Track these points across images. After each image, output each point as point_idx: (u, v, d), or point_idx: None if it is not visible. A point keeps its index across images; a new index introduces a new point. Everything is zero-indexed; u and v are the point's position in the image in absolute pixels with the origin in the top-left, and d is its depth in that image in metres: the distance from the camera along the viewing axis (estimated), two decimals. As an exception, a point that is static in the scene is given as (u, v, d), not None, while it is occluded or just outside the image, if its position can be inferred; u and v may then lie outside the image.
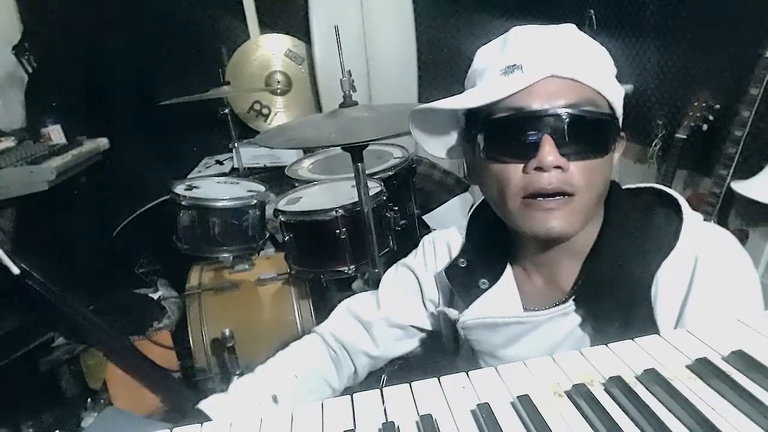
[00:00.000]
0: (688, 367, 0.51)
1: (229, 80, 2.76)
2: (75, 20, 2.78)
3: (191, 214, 1.85)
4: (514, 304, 0.83)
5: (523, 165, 0.70)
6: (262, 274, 1.94)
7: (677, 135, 2.12)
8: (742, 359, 0.49)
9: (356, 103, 1.32)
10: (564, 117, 0.67)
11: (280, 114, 3.13)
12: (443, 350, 0.94)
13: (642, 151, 2.52)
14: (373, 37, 2.94)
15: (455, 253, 0.90)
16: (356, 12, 2.89)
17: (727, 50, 2.02)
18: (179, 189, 1.92)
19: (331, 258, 1.70)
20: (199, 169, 2.85)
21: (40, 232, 2.21)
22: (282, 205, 1.78)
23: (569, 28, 0.74)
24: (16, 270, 1.45)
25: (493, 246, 0.86)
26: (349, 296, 1.02)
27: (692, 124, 2.08)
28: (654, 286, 0.70)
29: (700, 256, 0.69)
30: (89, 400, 1.90)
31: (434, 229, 1.70)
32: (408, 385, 0.54)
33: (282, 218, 1.71)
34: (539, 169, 0.68)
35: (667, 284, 0.69)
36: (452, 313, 0.87)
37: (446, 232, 0.95)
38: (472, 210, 0.92)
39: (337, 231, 1.63)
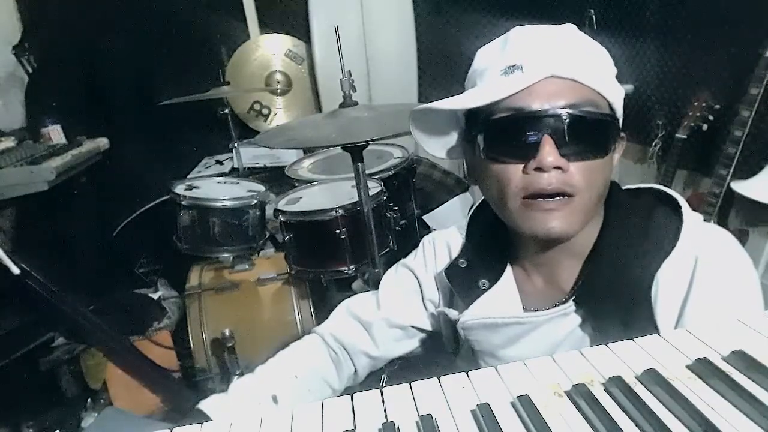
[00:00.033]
0: (688, 367, 0.51)
1: (229, 80, 2.76)
2: (75, 20, 2.78)
3: (191, 214, 1.85)
4: (514, 305, 0.83)
5: (523, 165, 0.70)
6: (262, 274, 1.94)
7: (677, 135, 2.13)
8: (742, 359, 0.49)
9: (356, 103, 1.32)
10: (564, 117, 0.67)
11: (280, 114, 3.13)
12: (443, 350, 0.94)
13: (642, 151, 2.52)
14: (373, 37, 2.94)
15: (455, 253, 0.90)
16: (356, 12, 2.89)
17: (727, 50, 2.02)
18: (179, 189, 1.92)
19: (331, 258, 1.70)
20: (199, 169, 2.85)
21: (40, 232, 2.21)
22: (282, 205, 1.78)
23: (569, 29, 0.74)
24: (16, 270, 1.45)
25: (493, 246, 0.86)
26: (349, 296, 1.02)
27: (692, 124, 2.08)
28: (654, 286, 0.70)
29: (700, 257, 0.69)
30: (89, 400, 1.90)
31: (434, 229, 1.70)
32: (408, 385, 0.54)
33: (282, 218, 1.71)
34: (539, 169, 0.68)
35: (667, 284, 0.69)
36: (452, 313, 0.87)
37: (446, 233, 0.95)
38: (472, 210, 0.92)
39: (337, 231, 1.63)
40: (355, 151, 1.27)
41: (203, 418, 0.80)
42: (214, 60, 2.80)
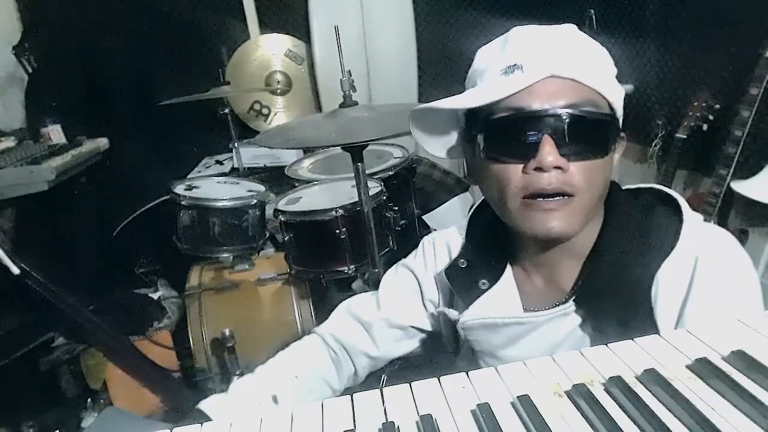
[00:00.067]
0: (688, 367, 0.51)
1: (229, 80, 2.76)
2: (75, 20, 2.78)
3: (191, 214, 1.85)
4: (514, 305, 0.83)
5: (523, 165, 0.70)
6: (262, 274, 1.94)
7: (677, 135, 2.13)
8: (742, 359, 0.50)
9: (356, 103, 1.32)
10: (564, 117, 0.67)
11: (280, 114, 3.13)
12: (443, 350, 0.94)
13: (642, 151, 2.52)
14: (373, 37, 2.94)
15: (455, 253, 0.90)
16: (356, 12, 2.89)
17: (727, 50, 2.02)
18: (179, 189, 1.92)
19: (331, 258, 1.70)
20: (199, 169, 2.85)
21: (40, 232, 2.21)
22: (282, 205, 1.78)
23: (569, 28, 0.74)
24: (16, 270, 1.45)
25: (493, 246, 0.86)
26: (349, 296, 1.02)
27: (692, 124, 2.09)
28: (654, 286, 0.70)
29: (700, 257, 0.69)
30: (89, 400, 1.90)
31: (434, 229, 1.70)
32: (408, 385, 0.54)
33: (282, 218, 1.71)
34: (539, 169, 0.68)
35: (667, 284, 0.69)
36: (452, 313, 0.87)
37: (446, 233, 0.95)
38: (472, 210, 0.92)
39: (337, 231, 1.63)
40: (355, 151, 1.27)
41: (203, 418, 0.80)
42: (214, 60, 2.80)
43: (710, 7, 2.09)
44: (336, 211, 1.63)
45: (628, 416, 0.46)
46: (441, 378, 0.54)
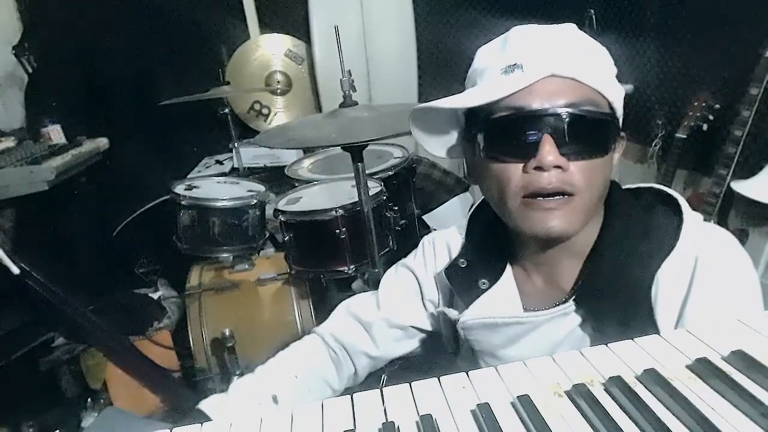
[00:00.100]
0: (688, 367, 0.51)
1: (229, 80, 2.77)
2: (75, 20, 2.78)
3: (191, 214, 1.85)
4: (514, 304, 0.83)
5: (523, 164, 0.70)
6: (262, 274, 1.94)
7: (677, 135, 2.13)
8: (742, 359, 0.49)
9: (356, 103, 1.32)
10: (564, 116, 0.67)
11: (280, 114, 3.13)
12: (443, 350, 0.94)
13: (642, 151, 2.52)
14: (373, 37, 2.94)
15: (455, 253, 0.90)
16: (356, 12, 2.89)
17: (727, 50, 2.02)
18: (179, 189, 1.92)
19: (331, 258, 1.70)
20: (199, 169, 2.85)
21: (40, 232, 2.21)
22: (282, 205, 1.78)
23: (569, 28, 0.74)
24: (16, 270, 1.45)
25: (493, 246, 0.85)
26: (349, 296, 1.02)
27: (692, 124, 2.09)
28: (654, 286, 0.70)
29: (700, 256, 0.69)
30: (89, 400, 1.90)
31: (434, 229, 1.70)
32: (408, 385, 0.54)
33: (282, 218, 1.71)
34: (539, 168, 0.68)
35: (667, 284, 0.69)
36: (452, 313, 0.87)
37: (446, 232, 0.95)
38: (472, 210, 0.92)
39: (337, 231, 1.63)
40: (355, 151, 1.27)
41: (203, 418, 0.80)
42: (214, 60, 2.80)
43: (710, 7, 2.09)
44: (336, 211, 1.63)
45: (628, 416, 0.46)
46: (441, 378, 0.54)
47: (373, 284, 1.27)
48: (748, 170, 1.92)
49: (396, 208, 1.78)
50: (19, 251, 1.78)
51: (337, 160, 2.15)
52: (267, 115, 3.12)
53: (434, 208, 2.44)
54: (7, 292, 1.52)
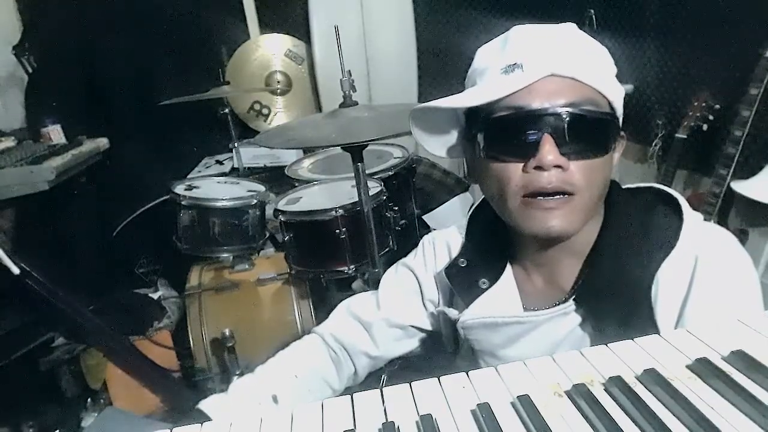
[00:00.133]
0: (688, 367, 0.51)
1: (229, 80, 2.76)
2: (75, 20, 2.78)
3: (191, 214, 1.85)
4: (514, 304, 0.83)
5: (523, 164, 0.70)
6: (262, 274, 1.94)
7: (677, 135, 2.13)
8: (742, 359, 0.49)
9: (356, 103, 1.32)
10: (564, 116, 0.67)
11: (280, 114, 3.13)
12: (443, 350, 0.94)
13: (642, 151, 2.52)
14: (373, 37, 2.94)
15: (455, 252, 0.90)
16: (356, 12, 2.89)
17: (727, 50, 2.02)
18: (179, 189, 1.92)
19: (331, 258, 1.70)
20: (199, 169, 2.85)
21: (40, 232, 2.21)
22: (282, 205, 1.78)
23: (569, 28, 0.74)
24: (16, 270, 1.45)
25: (493, 245, 0.85)
26: (349, 296, 1.02)
27: (692, 124, 2.09)
28: (654, 285, 0.70)
29: (700, 256, 0.69)
30: (89, 400, 1.90)
31: (434, 229, 1.70)
32: (408, 385, 0.54)
33: (282, 218, 1.71)
34: (539, 168, 0.68)
35: (668, 284, 0.69)
36: (452, 312, 0.87)
37: (446, 232, 0.95)
38: (472, 210, 0.92)
39: (337, 231, 1.63)
40: (355, 151, 1.27)
41: (203, 418, 0.80)
42: (214, 60, 2.80)
43: (710, 7, 2.09)
44: (336, 211, 1.63)
45: (628, 416, 0.46)
46: (441, 378, 0.54)
47: (373, 284, 1.27)
48: (748, 170, 1.92)
49: (396, 208, 1.78)
50: (19, 251, 1.78)
51: (337, 160, 2.15)
52: (267, 115, 3.11)
53: (434, 208, 2.44)
54: (7, 292, 1.52)
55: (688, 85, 2.26)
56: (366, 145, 1.24)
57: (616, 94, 0.73)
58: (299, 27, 3.02)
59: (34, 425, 1.71)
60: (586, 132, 0.69)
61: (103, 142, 2.57)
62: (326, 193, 1.86)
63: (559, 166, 0.68)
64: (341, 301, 1.01)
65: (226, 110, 2.55)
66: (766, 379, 0.47)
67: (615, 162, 0.75)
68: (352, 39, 2.87)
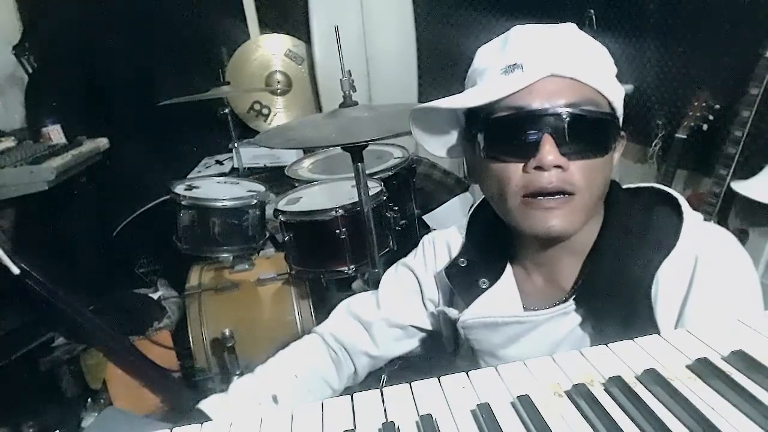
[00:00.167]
0: (688, 367, 0.51)
1: (229, 80, 2.76)
2: (75, 20, 2.78)
3: (191, 214, 1.85)
4: (514, 304, 0.83)
5: (523, 164, 0.70)
6: (262, 274, 1.94)
7: (677, 135, 2.13)
8: (742, 359, 0.49)
9: (356, 103, 1.32)
10: (564, 116, 0.67)
11: (280, 114, 3.13)
12: (443, 350, 0.94)
13: (642, 151, 2.52)
14: (373, 37, 2.94)
15: (455, 252, 0.90)
16: (356, 12, 2.89)
17: (727, 50, 2.02)
18: (179, 189, 1.92)
19: (331, 258, 1.70)
20: (199, 169, 2.85)
21: (40, 232, 2.21)
22: (282, 205, 1.78)
23: (570, 28, 0.74)
24: (16, 270, 1.45)
25: (493, 245, 0.86)
26: (349, 296, 1.02)
27: (692, 124, 2.09)
28: (654, 285, 0.70)
29: (700, 256, 0.69)
30: (89, 400, 1.90)
31: (434, 229, 1.70)
32: (408, 385, 0.54)
33: (282, 218, 1.71)
34: (539, 168, 0.68)
35: (668, 284, 0.69)
36: (452, 312, 0.87)
37: (446, 232, 0.95)
38: (472, 209, 0.92)
39: (337, 231, 1.63)
40: (355, 151, 1.27)
41: (203, 418, 0.80)
42: (214, 60, 2.80)
43: (710, 7, 2.09)
44: (336, 211, 1.63)
45: (628, 416, 0.46)
46: (441, 378, 0.54)
47: (373, 284, 1.27)
48: (748, 170, 1.91)
49: (396, 208, 1.78)
50: (19, 251, 1.77)
51: (337, 160, 2.15)
52: (267, 115, 3.11)
53: (434, 208, 2.44)
54: (7, 292, 1.52)
55: (688, 85, 2.26)
56: (366, 145, 1.24)
57: (616, 94, 0.73)
58: (299, 27, 3.02)
59: (34, 425, 1.71)
60: (586, 132, 0.69)
61: (103, 142, 2.57)
62: (326, 193, 1.86)
63: (559, 166, 0.68)
64: (341, 301, 1.01)
65: (226, 110, 2.55)
66: (766, 379, 0.47)
67: (615, 162, 0.75)
68: (352, 39, 2.87)
